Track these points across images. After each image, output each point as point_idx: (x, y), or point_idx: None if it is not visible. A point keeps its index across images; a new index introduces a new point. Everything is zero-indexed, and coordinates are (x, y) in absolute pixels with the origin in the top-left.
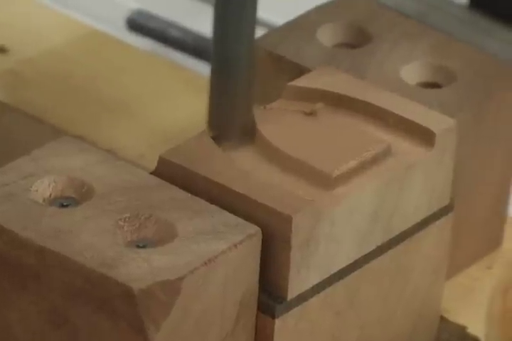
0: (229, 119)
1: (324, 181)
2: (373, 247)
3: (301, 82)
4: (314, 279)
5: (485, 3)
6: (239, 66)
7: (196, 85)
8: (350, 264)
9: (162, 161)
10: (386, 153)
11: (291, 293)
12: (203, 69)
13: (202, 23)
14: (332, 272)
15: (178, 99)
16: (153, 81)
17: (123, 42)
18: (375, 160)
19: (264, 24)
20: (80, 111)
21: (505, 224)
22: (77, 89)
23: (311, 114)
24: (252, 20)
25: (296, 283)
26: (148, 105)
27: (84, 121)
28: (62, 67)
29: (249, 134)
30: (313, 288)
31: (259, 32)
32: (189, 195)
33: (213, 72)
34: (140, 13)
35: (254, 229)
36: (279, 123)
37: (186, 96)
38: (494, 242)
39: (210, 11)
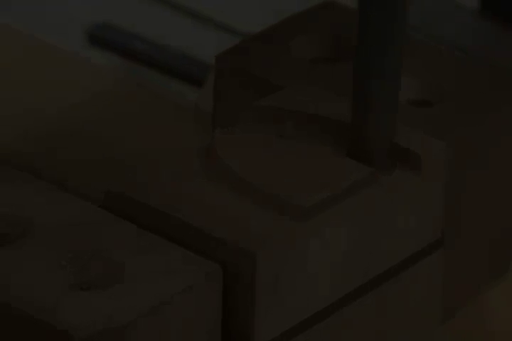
0: (377, 133)
1: (295, 213)
2: (352, 288)
3: (271, 101)
4: (284, 325)
5: (498, 6)
6: (386, 71)
7: (170, 108)
8: (326, 307)
9: (110, 193)
10: (366, 181)
11: None
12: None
13: (172, 34)
14: (305, 317)
15: (149, 124)
16: (118, 103)
17: (81, 57)
18: (353, 189)
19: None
20: (26, 137)
21: None
22: (24, 111)
23: (281, 136)
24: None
25: (263, 330)
26: (109, 129)
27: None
28: (8, 87)
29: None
30: (282, 335)
31: (227, 41)
32: (140, 230)
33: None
34: (101, 25)
35: (213, 268)
36: (242, 147)
37: (158, 122)
38: (498, 275)
39: (179, 20)
